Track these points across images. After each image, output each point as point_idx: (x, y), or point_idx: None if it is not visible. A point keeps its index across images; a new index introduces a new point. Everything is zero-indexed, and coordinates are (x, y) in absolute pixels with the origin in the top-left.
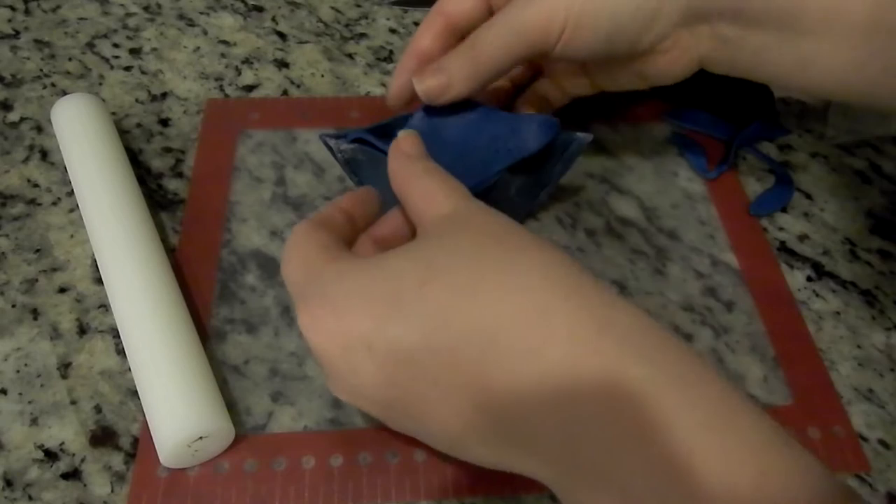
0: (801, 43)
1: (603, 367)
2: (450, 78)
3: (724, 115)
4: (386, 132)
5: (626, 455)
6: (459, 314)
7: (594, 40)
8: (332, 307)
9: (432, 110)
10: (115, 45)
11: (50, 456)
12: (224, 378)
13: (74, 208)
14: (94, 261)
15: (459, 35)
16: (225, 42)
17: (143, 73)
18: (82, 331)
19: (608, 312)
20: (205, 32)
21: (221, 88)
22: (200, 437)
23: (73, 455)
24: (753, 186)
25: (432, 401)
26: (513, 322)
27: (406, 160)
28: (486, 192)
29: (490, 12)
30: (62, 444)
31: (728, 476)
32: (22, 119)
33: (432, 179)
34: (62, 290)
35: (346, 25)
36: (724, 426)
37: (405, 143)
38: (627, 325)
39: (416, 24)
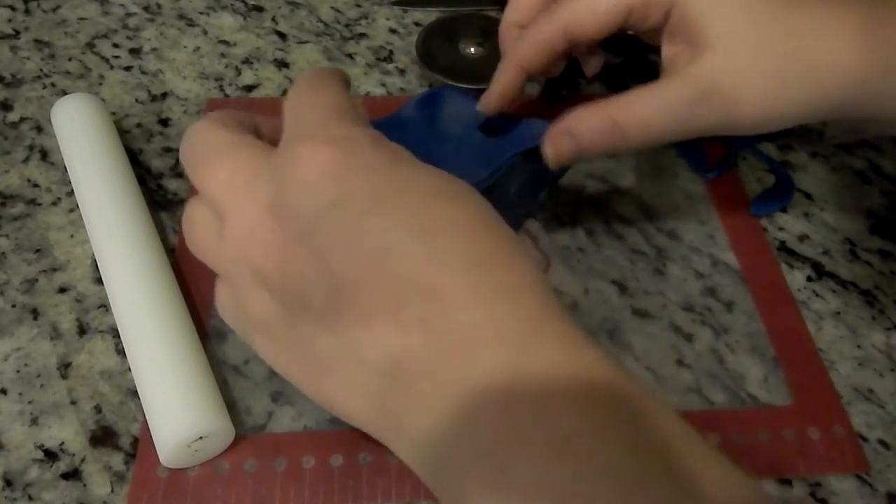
0: None
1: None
2: (580, 150)
3: None
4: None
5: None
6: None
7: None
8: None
9: (428, 104)
10: (115, 45)
11: (50, 456)
12: (224, 378)
13: (74, 208)
14: (94, 261)
15: (571, 46)
16: (225, 42)
17: (143, 73)
18: (82, 331)
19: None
20: (205, 32)
21: (221, 88)
22: (200, 437)
23: (73, 455)
24: (753, 186)
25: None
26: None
27: None
28: (486, 192)
29: None
30: (62, 444)
31: None
32: (22, 119)
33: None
34: (62, 290)
35: (346, 25)
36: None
37: None
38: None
39: (416, 24)
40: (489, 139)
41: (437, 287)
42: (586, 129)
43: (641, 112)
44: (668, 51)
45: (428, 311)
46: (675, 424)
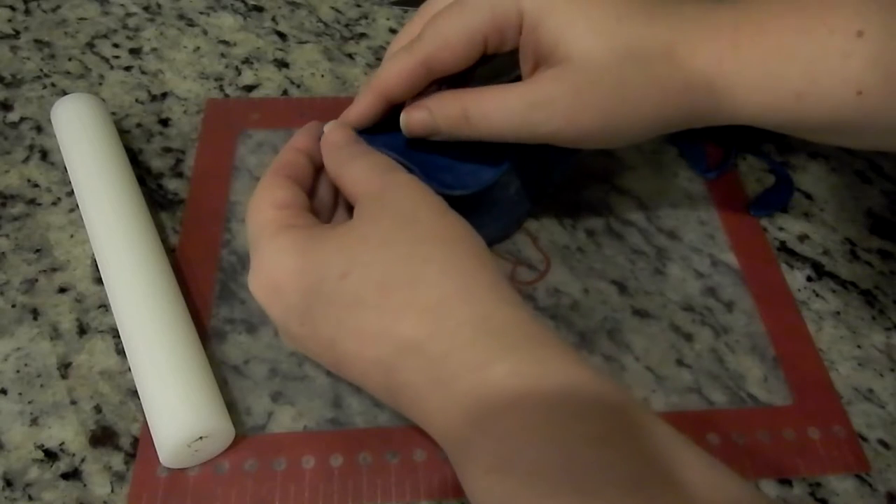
0: (799, 133)
1: (473, 360)
2: (436, 125)
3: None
4: (377, 132)
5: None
6: (370, 306)
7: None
8: (271, 281)
9: None
10: (115, 45)
11: (50, 456)
12: (224, 378)
13: (74, 208)
14: (94, 261)
15: (434, 78)
16: (225, 42)
17: (143, 73)
18: (82, 331)
19: (491, 310)
20: (205, 32)
21: (221, 88)
22: (200, 437)
23: (73, 455)
24: (753, 186)
25: (351, 364)
26: (412, 314)
27: (334, 150)
28: (487, 192)
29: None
30: (62, 444)
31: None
32: (22, 119)
33: (356, 163)
34: (62, 290)
35: (346, 25)
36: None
37: (332, 136)
38: (505, 321)
39: None
40: (489, 142)
41: (439, 304)
42: (440, 110)
43: (487, 107)
44: (523, 66)
45: (428, 329)
46: (666, 433)
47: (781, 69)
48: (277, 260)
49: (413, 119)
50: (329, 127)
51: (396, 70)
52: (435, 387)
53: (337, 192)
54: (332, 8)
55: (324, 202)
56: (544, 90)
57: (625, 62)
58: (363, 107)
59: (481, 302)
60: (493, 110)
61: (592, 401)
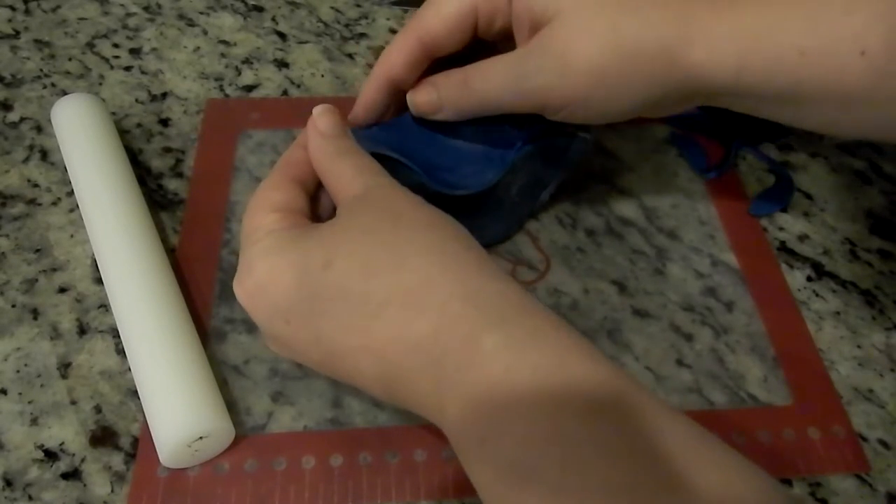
0: (797, 108)
1: (463, 334)
2: (441, 101)
3: (724, 116)
4: (379, 134)
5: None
6: (355, 292)
7: (593, 119)
8: (257, 282)
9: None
10: (115, 45)
11: (50, 456)
12: (224, 378)
13: (74, 208)
14: (94, 261)
15: (433, 56)
16: (225, 42)
17: (143, 73)
18: (82, 331)
19: (478, 285)
20: (205, 32)
21: (221, 88)
22: (200, 437)
23: (73, 455)
24: (753, 186)
25: (340, 357)
26: (398, 297)
27: (321, 140)
28: (488, 192)
29: (466, 31)
30: (62, 444)
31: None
32: (22, 119)
33: (344, 161)
34: (62, 290)
35: (346, 25)
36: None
37: (321, 122)
38: (492, 294)
39: None
40: (490, 142)
41: (426, 284)
42: (444, 80)
43: (485, 67)
44: (519, 37)
45: (417, 307)
46: (674, 430)
47: (782, 20)
48: (261, 261)
49: (419, 92)
50: (318, 110)
51: (395, 49)
52: (426, 365)
53: None
54: (332, 8)
55: (326, 204)
56: (537, 42)
57: (618, 13)
58: (370, 92)
59: (467, 280)
60: (490, 68)
61: (584, 374)
